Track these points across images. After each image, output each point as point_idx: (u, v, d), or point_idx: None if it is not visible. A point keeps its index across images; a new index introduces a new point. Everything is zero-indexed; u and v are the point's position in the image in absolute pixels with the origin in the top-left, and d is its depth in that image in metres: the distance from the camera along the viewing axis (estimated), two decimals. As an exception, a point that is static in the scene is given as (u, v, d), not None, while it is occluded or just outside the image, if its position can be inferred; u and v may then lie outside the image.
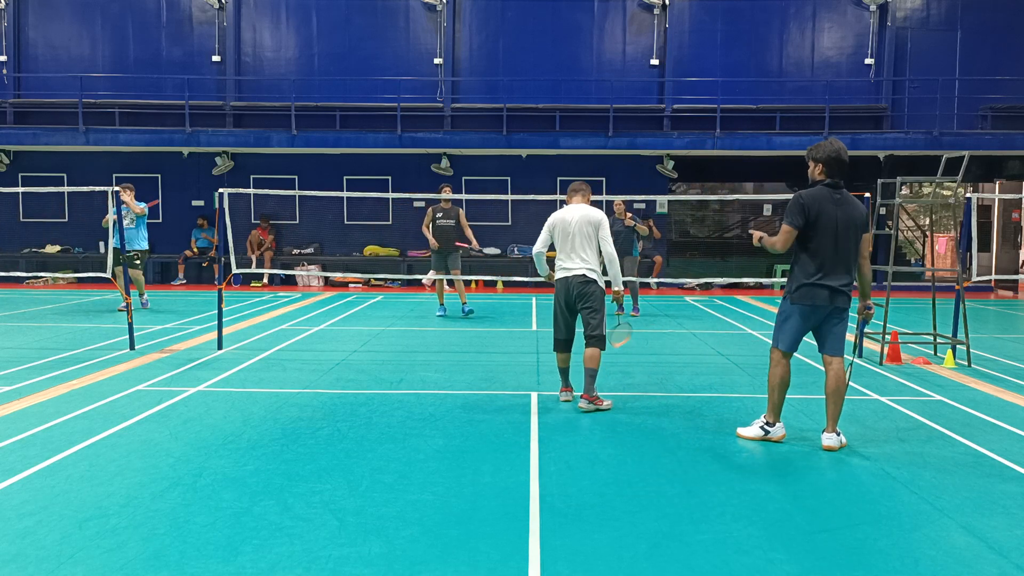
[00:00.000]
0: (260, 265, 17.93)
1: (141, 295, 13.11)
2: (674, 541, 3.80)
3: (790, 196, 5.48)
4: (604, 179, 18.37)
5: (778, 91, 18.85)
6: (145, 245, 13.04)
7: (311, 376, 7.63)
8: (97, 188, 10.14)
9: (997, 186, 19.89)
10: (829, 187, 5.29)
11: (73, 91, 18.20)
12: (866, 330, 9.33)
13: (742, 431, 5.62)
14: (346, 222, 19.43)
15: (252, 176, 18.87)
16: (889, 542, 3.81)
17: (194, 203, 19.25)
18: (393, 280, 17.89)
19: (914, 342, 9.49)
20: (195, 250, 18.78)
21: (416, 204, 18.94)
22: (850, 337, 7.52)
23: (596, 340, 6.36)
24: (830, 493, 4.52)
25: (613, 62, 19.15)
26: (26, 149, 18.90)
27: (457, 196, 11.31)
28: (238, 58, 19.25)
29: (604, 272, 6.55)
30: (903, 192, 19.43)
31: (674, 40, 18.94)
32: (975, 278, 9.39)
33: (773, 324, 5.67)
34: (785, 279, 5.49)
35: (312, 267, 18.26)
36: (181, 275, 18.41)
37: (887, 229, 10.62)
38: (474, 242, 12.17)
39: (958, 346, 8.73)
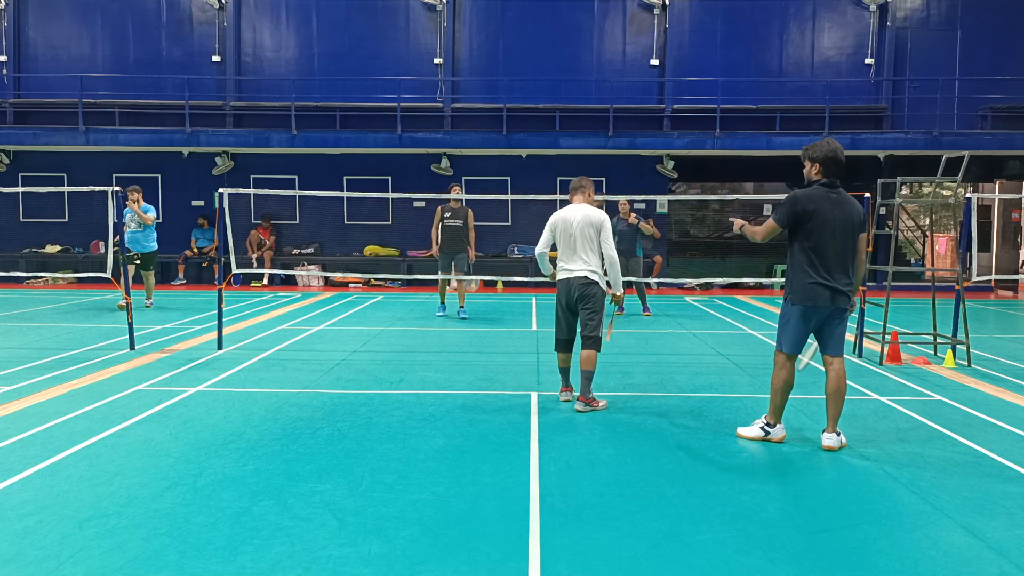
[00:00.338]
0: (260, 265, 17.94)
1: (148, 297, 13.13)
2: (674, 541, 3.80)
3: (790, 196, 5.48)
4: (604, 179, 18.38)
5: (778, 91, 18.85)
6: (154, 246, 13.16)
7: (311, 376, 7.63)
8: (97, 188, 10.13)
9: (997, 186, 19.89)
10: (826, 187, 5.29)
11: (73, 91, 18.20)
12: (866, 330, 9.33)
13: (742, 431, 5.62)
14: (346, 222, 19.43)
15: (252, 176, 18.87)
16: (889, 542, 3.81)
17: (194, 203, 19.25)
18: (393, 280, 17.89)
19: (914, 342, 9.49)
20: (195, 250, 18.79)
21: (416, 204, 18.96)
22: (850, 337, 7.52)
23: (592, 342, 6.35)
24: (830, 493, 4.52)
25: (613, 62, 19.15)
26: (26, 149, 18.90)
27: (464, 196, 11.28)
28: (238, 58, 19.25)
29: (606, 273, 6.54)
30: (903, 192, 19.43)
31: (674, 40, 18.94)
32: (975, 278, 9.38)
33: (772, 324, 5.67)
34: (785, 279, 5.49)
35: (312, 267, 18.26)
36: (181, 275, 18.41)
37: (887, 229, 10.62)
38: (472, 250, 12.12)
39: (958, 346, 8.73)
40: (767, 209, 20.66)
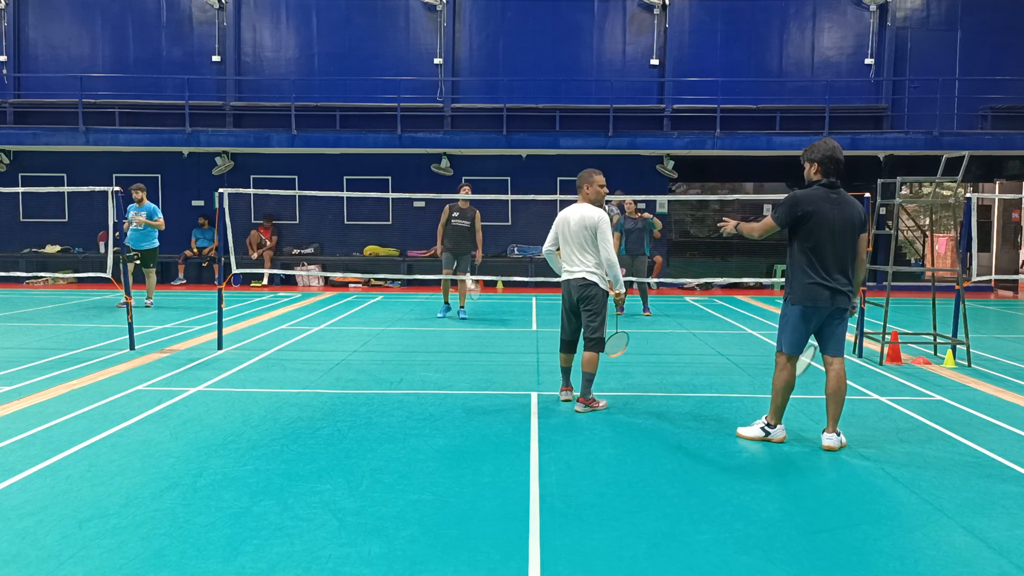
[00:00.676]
0: (260, 265, 17.94)
1: (148, 296, 13.14)
2: (674, 541, 3.80)
3: (790, 196, 5.47)
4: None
5: (778, 91, 18.85)
6: (155, 244, 13.27)
7: (311, 376, 7.63)
8: (97, 188, 10.13)
9: (997, 186, 19.89)
10: (825, 187, 5.29)
11: (73, 91, 18.20)
12: (866, 330, 9.33)
13: (743, 431, 5.62)
14: (346, 222, 19.43)
15: (252, 176, 18.88)
16: (889, 542, 3.81)
17: (194, 203, 19.26)
18: (393, 280, 17.89)
19: (914, 342, 9.48)
20: (195, 250, 18.79)
21: (416, 204, 18.96)
22: (850, 337, 7.52)
23: (594, 344, 6.33)
24: (830, 493, 4.52)
25: (613, 62, 19.15)
26: (26, 149, 18.91)
27: (472, 196, 11.27)
28: (238, 58, 19.25)
29: (607, 273, 6.48)
30: (903, 192, 19.42)
31: (674, 40, 18.94)
32: (975, 278, 9.38)
33: (772, 324, 5.67)
34: (784, 279, 5.49)
35: (312, 267, 18.27)
36: (181, 275, 18.42)
37: (887, 229, 10.62)
38: (478, 253, 12.13)
39: (958, 346, 8.73)
40: (767, 209, 20.66)
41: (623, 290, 6.53)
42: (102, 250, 18.32)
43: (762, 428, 5.50)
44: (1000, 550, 3.72)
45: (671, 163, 18.48)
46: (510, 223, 19.10)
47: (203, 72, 19.17)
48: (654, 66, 19.08)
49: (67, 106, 18.34)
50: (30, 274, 17.76)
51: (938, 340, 9.20)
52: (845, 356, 5.44)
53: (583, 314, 6.39)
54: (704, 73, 18.80)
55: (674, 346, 9.72)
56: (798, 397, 6.58)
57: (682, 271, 20.34)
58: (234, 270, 10.16)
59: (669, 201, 19.45)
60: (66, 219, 19.32)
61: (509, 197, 12.80)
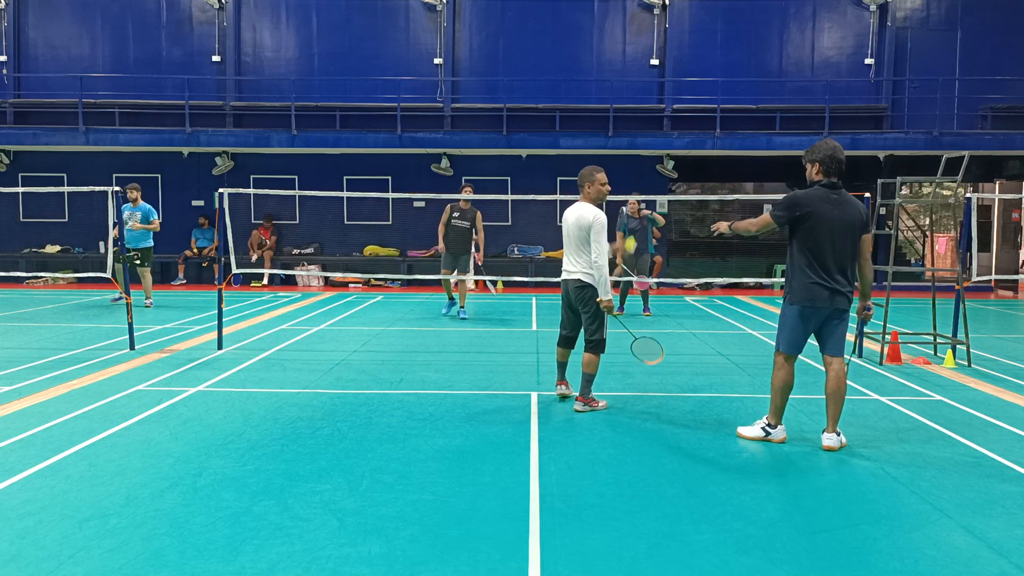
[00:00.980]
0: (260, 265, 17.94)
1: (147, 296, 13.14)
2: (674, 541, 3.80)
3: (791, 196, 5.48)
4: (604, 179, 18.35)
5: (778, 91, 18.85)
6: (151, 243, 13.27)
7: (311, 376, 7.63)
8: (97, 188, 10.13)
9: (997, 186, 19.89)
10: (826, 187, 5.29)
11: (73, 91, 18.20)
12: (866, 330, 9.33)
13: (743, 430, 5.62)
14: (346, 222, 19.43)
15: (252, 176, 18.87)
16: (889, 542, 3.81)
17: (194, 203, 19.26)
18: (393, 280, 17.89)
19: (914, 342, 9.48)
20: (195, 250, 18.79)
21: (416, 204, 18.96)
22: (850, 337, 7.52)
23: (594, 345, 6.30)
24: (830, 493, 4.52)
25: (613, 62, 19.15)
26: (26, 149, 18.90)
27: (474, 197, 11.26)
28: (238, 58, 19.25)
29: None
30: (903, 192, 19.43)
31: (674, 40, 18.94)
32: (975, 278, 9.38)
33: (772, 324, 5.67)
34: (784, 279, 5.49)
35: (312, 267, 18.26)
36: (181, 275, 18.42)
37: (887, 229, 10.62)
38: (479, 254, 12.13)
39: (958, 346, 8.73)
40: (767, 210, 20.67)
41: (608, 296, 6.14)
42: (102, 250, 18.32)
43: (763, 428, 5.50)
44: (1000, 550, 3.72)
45: (671, 163, 18.48)
46: (510, 223, 19.09)
47: (203, 72, 19.17)
48: (654, 66, 19.08)
49: (67, 106, 18.33)
50: (30, 274, 17.75)
51: (938, 340, 9.20)
52: (845, 356, 5.44)
53: (582, 316, 6.37)
54: (704, 73, 18.80)
55: (674, 346, 9.71)
56: (798, 397, 6.58)
57: (682, 271, 20.34)
58: (234, 270, 10.16)
59: (669, 201, 19.44)
60: (66, 219, 19.31)
61: (509, 197, 12.79)
